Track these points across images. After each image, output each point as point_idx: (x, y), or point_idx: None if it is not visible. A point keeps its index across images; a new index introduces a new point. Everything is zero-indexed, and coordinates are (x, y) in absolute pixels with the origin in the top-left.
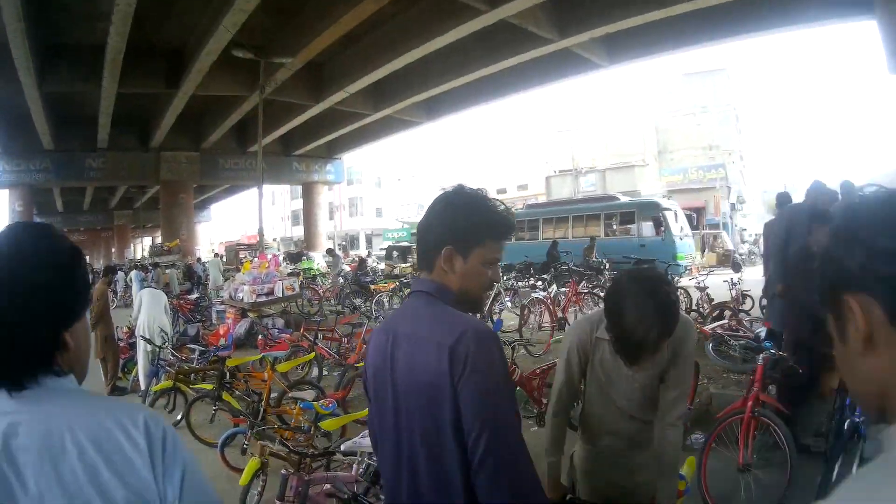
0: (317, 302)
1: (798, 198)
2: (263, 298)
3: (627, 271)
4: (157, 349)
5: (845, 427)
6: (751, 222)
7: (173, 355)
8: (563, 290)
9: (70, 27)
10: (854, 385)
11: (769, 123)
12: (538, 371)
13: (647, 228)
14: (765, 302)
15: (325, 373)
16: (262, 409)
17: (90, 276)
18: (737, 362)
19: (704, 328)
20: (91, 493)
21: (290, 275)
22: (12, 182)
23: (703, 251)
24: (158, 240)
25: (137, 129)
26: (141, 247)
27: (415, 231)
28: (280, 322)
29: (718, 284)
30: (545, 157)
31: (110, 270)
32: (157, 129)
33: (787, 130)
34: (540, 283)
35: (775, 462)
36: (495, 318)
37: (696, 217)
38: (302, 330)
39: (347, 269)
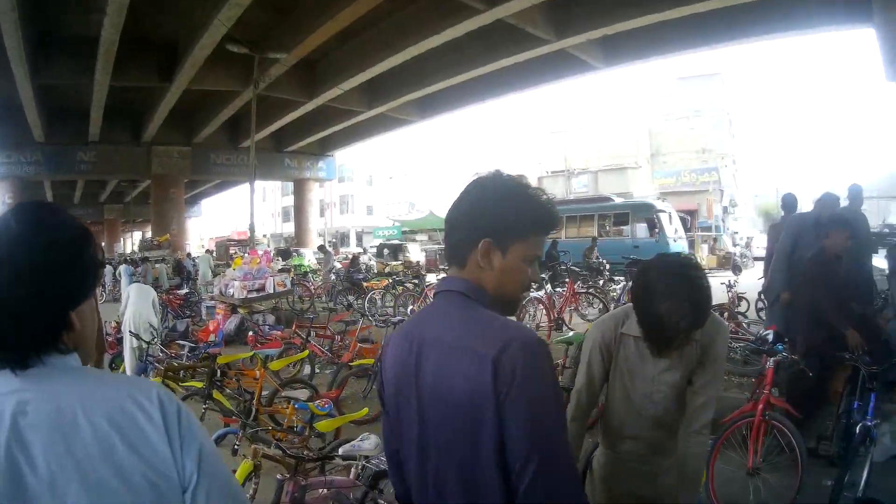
0: (308, 299)
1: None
2: (254, 295)
3: (656, 258)
4: (147, 345)
5: (857, 430)
6: (742, 225)
7: (162, 351)
8: (559, 289)
9: (64, 18)
10: None
11: (762, 128)
12: None
13: (641, 230)
14: (761, 305)
15: (317, 371)
16: (254, 409)
17: (100, 258)
18: (738, 365)
19: None
20: (106, 469)
21: (281, 271)
22: (3, 174)
23: (696, 253)
24: (148, 234)
25: (129, 122)
26: (131, 241)
27: (405, 229)
28: (271, 319)
29: (714, 287)
30: (538, 157)
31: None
32: (150, 123)
33: (779, 136)
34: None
35: (782, 465)
36: None
37: (689, 220)
38: (294, 327)
39: (339, 266)
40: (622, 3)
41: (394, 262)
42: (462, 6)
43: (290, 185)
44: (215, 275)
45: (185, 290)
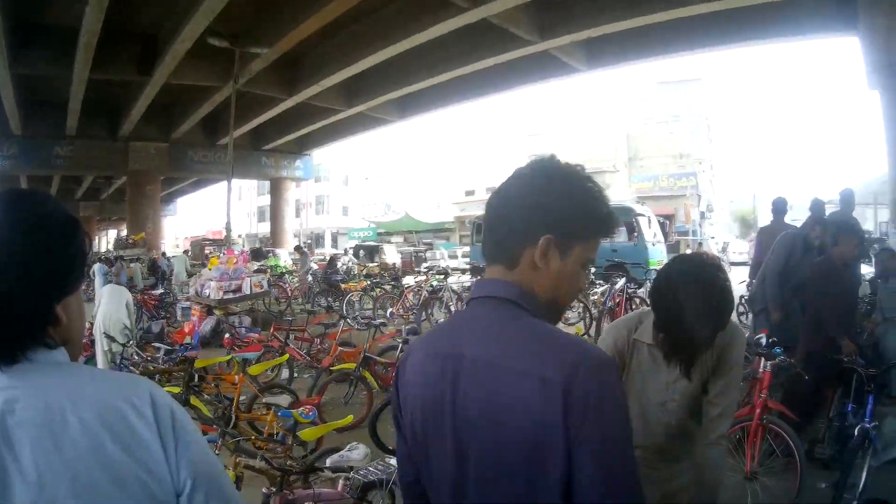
0: (284, 300)
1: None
2: (231, 295)
3: (675, 259)
4: (122, 347)
5: (856, 433)
6: (717, 231)
7: (137, 354)
8: None
9: (44, 7)
10: None
11: (739, 134)
12: None
13: (620, 233)
14: (742, 309)
15: (295, 374)
16: (233, 416)
17: (88, 249)
18: None
19: None
20: (96, 469)
21: (257, 272)
22: None
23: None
24: (124, 232)
25: (107, 117)
26: (106, 240)
27: (381, 231)
28: (247, 320)
29: None
30: (516, 159)
31: None
32: (127, 117)
33: (756, 142)
34: None
35: (778, 469)
36: None
37: (667, 224)
38: (272, 329)
39: (315, 267)
40: (607, 6)
41: (370, 264)
42: (447, 4)
43: (266, 184)
44: (190, 275)
45: (160, 291)
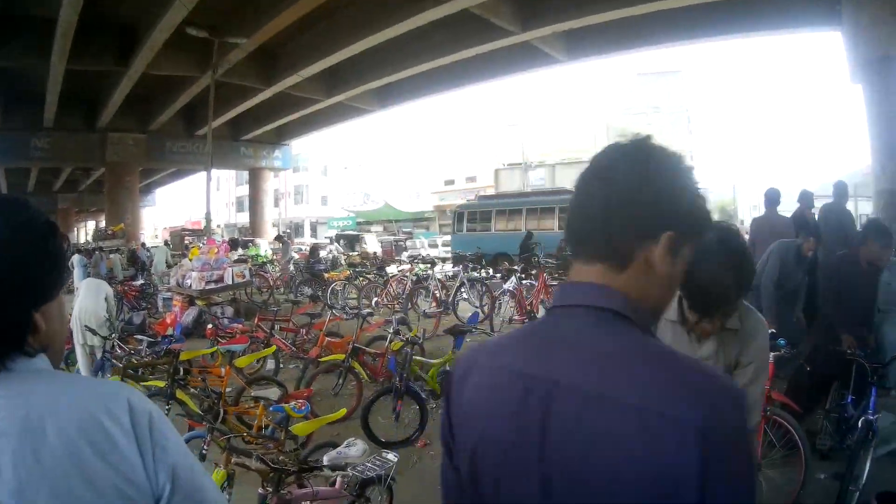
0: (266, 290)
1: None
2: (213, 286)
3: None
4: (104, 339)
5: (860, 425)
6: None
7: (120, 347)
8: (526, 281)
9: None
10: None
11: (720, 125)
12: None
13: None
14: None
15: (280, 365)
16: (221, 411)
17: (67, 254)
18: None
19: None
20: (75, 479)
21: (237, 261)
22: None
23: None
24: (102, 224)
25: (84, 108)
26: (85, 231)
27: (361, 220)
28: (229, 311)
29: None
30: (495, 149)
31: None
32: (105, 109)
33: (737, 133)
34: (500, 274)
35: (778, 460)
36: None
37: None
38: (257, 320)
39: (296, 256)
40: None
41: (351, 253)
42: None
43: (245, 174)
44: (171, 266)
45: (140, 282)
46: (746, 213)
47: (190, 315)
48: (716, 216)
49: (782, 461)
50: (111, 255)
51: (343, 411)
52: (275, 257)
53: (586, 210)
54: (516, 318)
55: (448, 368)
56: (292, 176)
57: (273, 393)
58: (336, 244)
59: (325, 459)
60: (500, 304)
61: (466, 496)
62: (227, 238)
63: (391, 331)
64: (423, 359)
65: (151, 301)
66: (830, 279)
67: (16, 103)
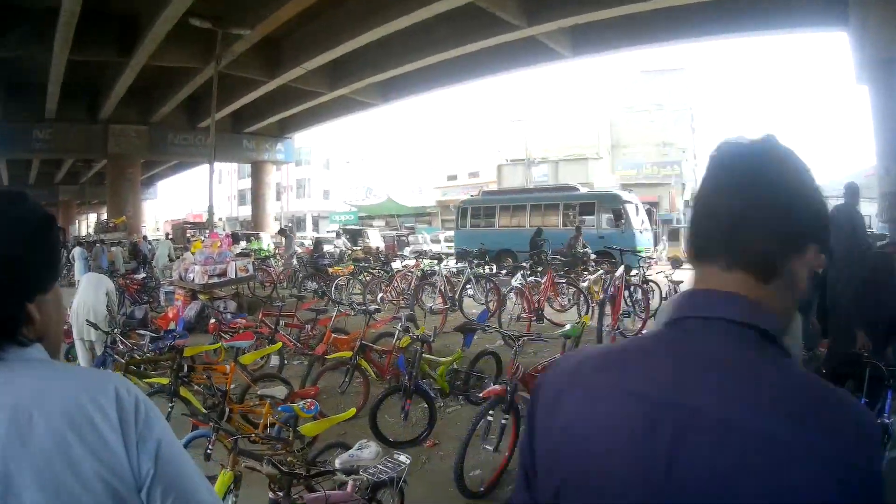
0: (269, 285)
1: None
2: (216, 280)
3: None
4: (106, 334)
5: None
6: None
7: (122, 342)
8: (531, 278)
9: None
10: None
11: (723, 124)
12: (540, 368)
13: (607, 220)
14: None
15: (285, 362)
16: (227, 409)
17: (62, 247)
18: None
19: None
20: (62, 469)
21: (239, 255)
22: None
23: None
24: (104, 216)
25: (86, 100)
26: (86, 224)
27: (363, 215)
28: (232, 305)
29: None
30: (497, 145)
31: None
32: (107, 100)
33: (739, 132)
34: (504, 270)
35: None
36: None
37: (654, 212)
38: (261, 315)
39: (300, 250)
40: None
41: (354, 248)
42: None
43: (247, 167)
44: (172, 259)
45: (142, 275)
46: None
47: (192, 309)
48: None
49: None
50: (112, 248)
51: (353, 411)
52: (277, 251)
53: (721, 213)
54: (524, 315)
55: (456, 367)
56: (294, 169)
57: (280, 391)
58: (343, 238)
59: (338, 462)
60: (506, 301)
61: None
62: (228, 231)
63: (399, 327)
64: (433, 357)
65: (153, 295)
66: (858, 272)
67: (17, 94)
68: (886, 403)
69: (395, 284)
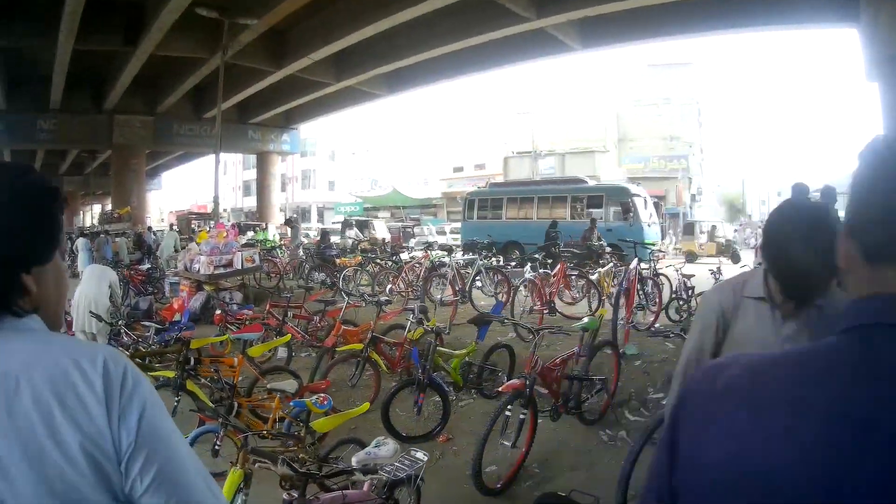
0: (275, 276)
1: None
2: (221, 270)
3: (788, 202)
4: (109, 326)
5: None
6: (704, 214)
7: (126, 334)
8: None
9: None
10: None
11: (730, 119)
12: (558, 361)
13: (615, 213)
14: None
15: (293, 354)
16: (235, 404)
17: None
18: None
19: None
20: (45, 437)
21: (245, 245)
22: None
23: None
24: (108, 207)
25: (91, 90)
26: (91, 214)
27: (368, 206)
28: (238, 296)
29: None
30: (504, 137)
31: None
32: (112, 90)
33: (747, 127)
34: (513, 263)
35: None
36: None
37: (661, 205)
38: (268, 307)
39: (306, 241)
40: None
41: (363, 239)
42: None
43: (252, 158)
44: (178, 250)
45: (146, 266)
46: (755, 208)
47: (198, 300)
48: (724, 209)
49: None
50: (117, 239)
51: (366, 406)
52: (283, 242)
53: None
54: (536, 308)
55: (470, 360)
56: (300, 160)
57: (290, 385)
58: (355, 229)
59: (354, 461)
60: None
61: None
62: (232, 222)
63: (412, 319)
64: (446, 349)
65: (158, 286)
66: None
67: (22, 84)
68: None
69: (404, 276)
